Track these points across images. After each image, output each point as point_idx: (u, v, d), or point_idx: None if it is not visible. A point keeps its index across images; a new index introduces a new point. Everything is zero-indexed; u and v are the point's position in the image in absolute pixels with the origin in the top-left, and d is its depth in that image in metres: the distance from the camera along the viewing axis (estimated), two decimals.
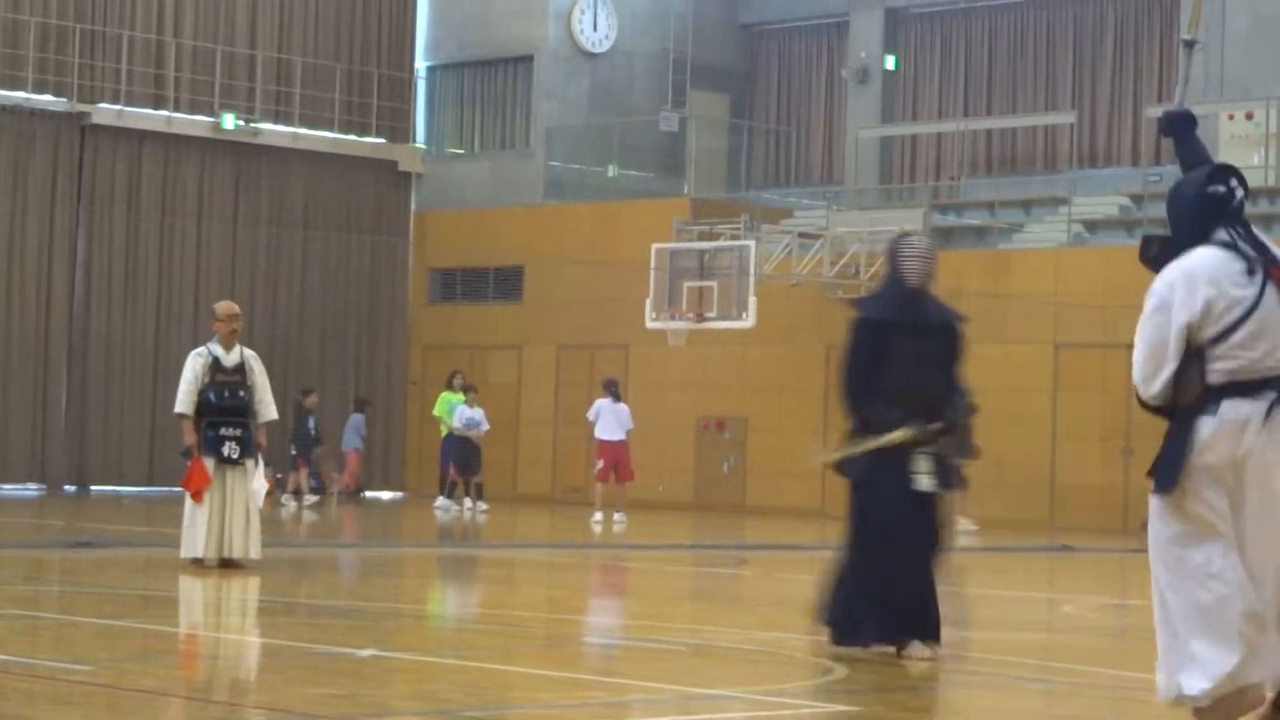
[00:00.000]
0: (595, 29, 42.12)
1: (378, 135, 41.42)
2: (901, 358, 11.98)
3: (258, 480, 17.64)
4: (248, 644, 11.92)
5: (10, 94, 36.96)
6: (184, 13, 39.28)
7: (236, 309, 18.38)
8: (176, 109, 38.93)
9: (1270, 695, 8.44)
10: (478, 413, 32.76)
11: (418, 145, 42.49)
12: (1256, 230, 8.98)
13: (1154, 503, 8.65)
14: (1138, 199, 37.00)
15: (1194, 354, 8.63)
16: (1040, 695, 10.99)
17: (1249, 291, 8.68)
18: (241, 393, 17.70)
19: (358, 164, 41.05)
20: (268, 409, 17.94)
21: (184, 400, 17.64)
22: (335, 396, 40.44)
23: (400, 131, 41.84)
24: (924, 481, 11.81)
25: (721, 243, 34.67)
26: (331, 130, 40.78)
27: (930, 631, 11.86)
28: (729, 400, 36.85)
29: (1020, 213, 38.08)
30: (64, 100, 37.53)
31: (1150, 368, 8.63)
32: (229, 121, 39.35)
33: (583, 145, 41.81)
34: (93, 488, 35.99)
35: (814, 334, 36.60)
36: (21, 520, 27.33)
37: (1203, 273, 8.68)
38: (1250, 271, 8.72)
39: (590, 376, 34.98)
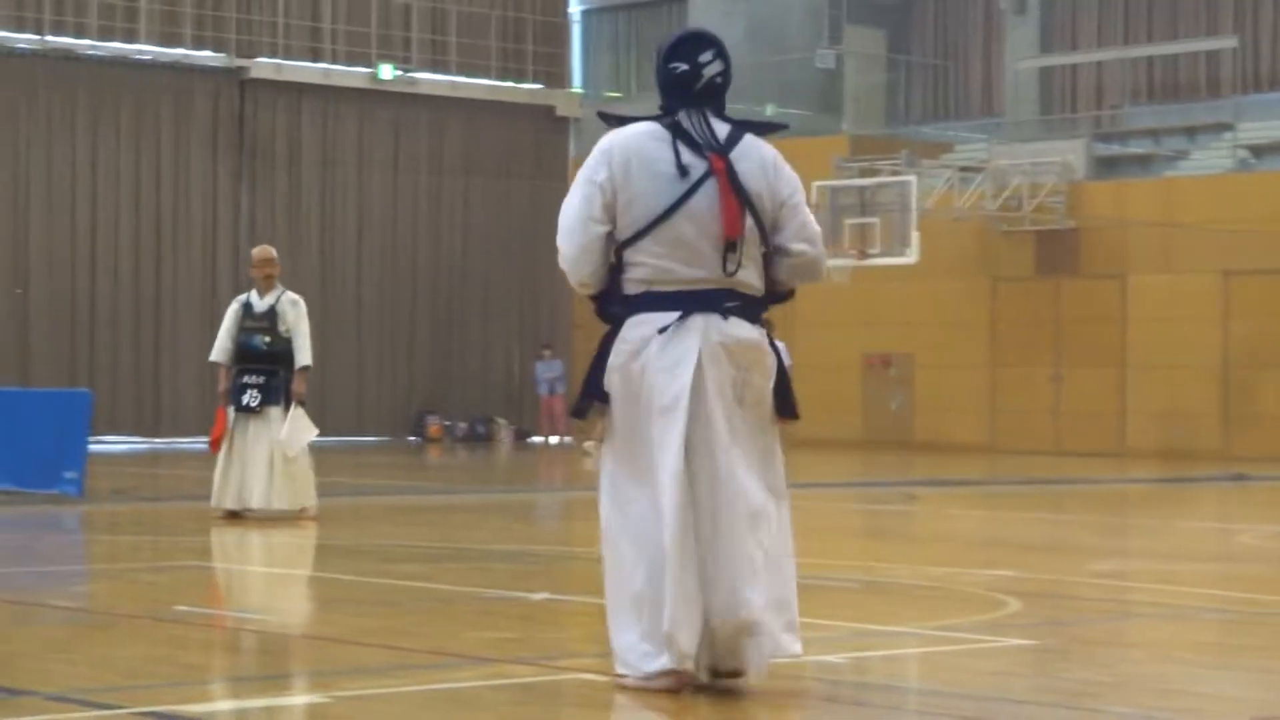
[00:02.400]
0: None
1: (534, 81, 41.52)
2: None
3: (288, 427, 17.10)
4: (418, 590, 11.99)
5: (170, 51, 37.35)
6: None
7: (271, 254, 17.85)
8: (334, 61, 39.21)
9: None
10: None
11: (574, 90, 42.56)
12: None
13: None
14: None
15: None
16: (1217, 625, 10.89)
17: (676, 187, 7.64)
18: (267, 339, 17.27)
19: (515, 110, 41.17)
20: (303, 355, 17.36)
21: (217, 348, 17.44)
22: (498, 349, 40.71)
23: (556, 77, 41.91)
24: None
25: (882, 179, 34.55)
26: (488, 78, 40.93)
27: None
28: (894, 337, 36.74)
29: (1184, 140, 37.69)
30: (223, 55, 37.87)
31: (568, 247, 7.81)
32: (386, 72, 39.57)
33: (739, 84, 41.53)
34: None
35: (978, 268, 36.44)
36: (190, 474, 27.65)
37: (621, 151, 7.72)
38: (681, 167, 7.64)
39: None
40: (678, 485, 7.48)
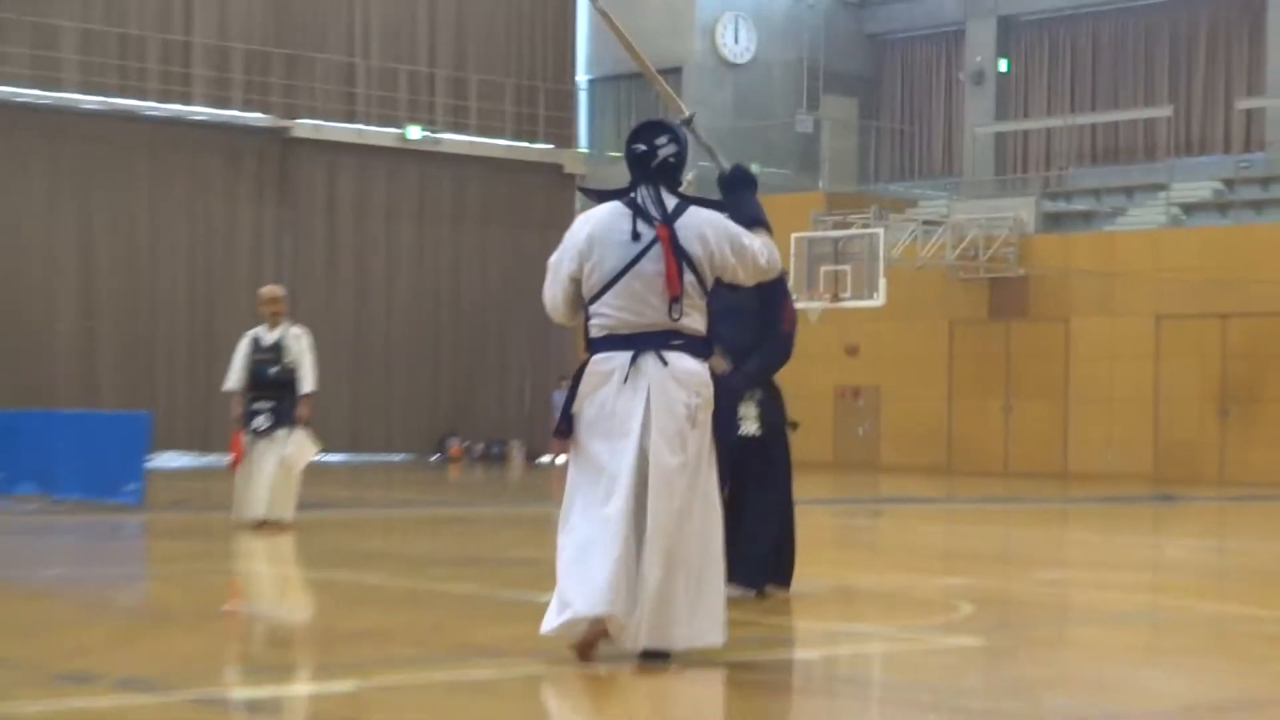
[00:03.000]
0: (737, 42, 42.08)
1: (545, 142, 41.60)
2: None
3: (293, 447, 17.09)
4: (441, 592, 12.03)
5: (221, 112, 37.42)
6: (371, 37, 39.62)
7: (278, 292, 17.76)
8: (367, 122, 39.28)
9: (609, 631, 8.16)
10: None
11: (580, 150, 42.63)
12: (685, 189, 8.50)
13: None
14: (1230, 183, 36.57)
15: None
16: (1147, 627, 10.94)
17: (629, 251, 8.28)
18: (275, 369, 17.18)
19: (527, 168, 41.25)
20: (306, 382, 17.26)
21: (231, 377, 17.34)
22: (513, 378, 40.77)
23: (565, 138, 41.99)
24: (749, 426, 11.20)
25: (853, 231, 34.57)
26: (504, 138, 41.01)
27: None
28: (863, 371, 36.77)
29: (1123, 198, 37.74)
30: (268, 116, 37.95)
31: (550, 293, 8.55)
32: (413, 132, 39.65)
33: (727, 146, 41.71)
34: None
35: (938, 311, 36.48)
36: None
37: (590, 228, 8.40)
38: (635, 235, 8.29)
39: None
40: (630, 483, 8.12)
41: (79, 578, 13.10)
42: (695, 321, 8.35)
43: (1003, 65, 41.72)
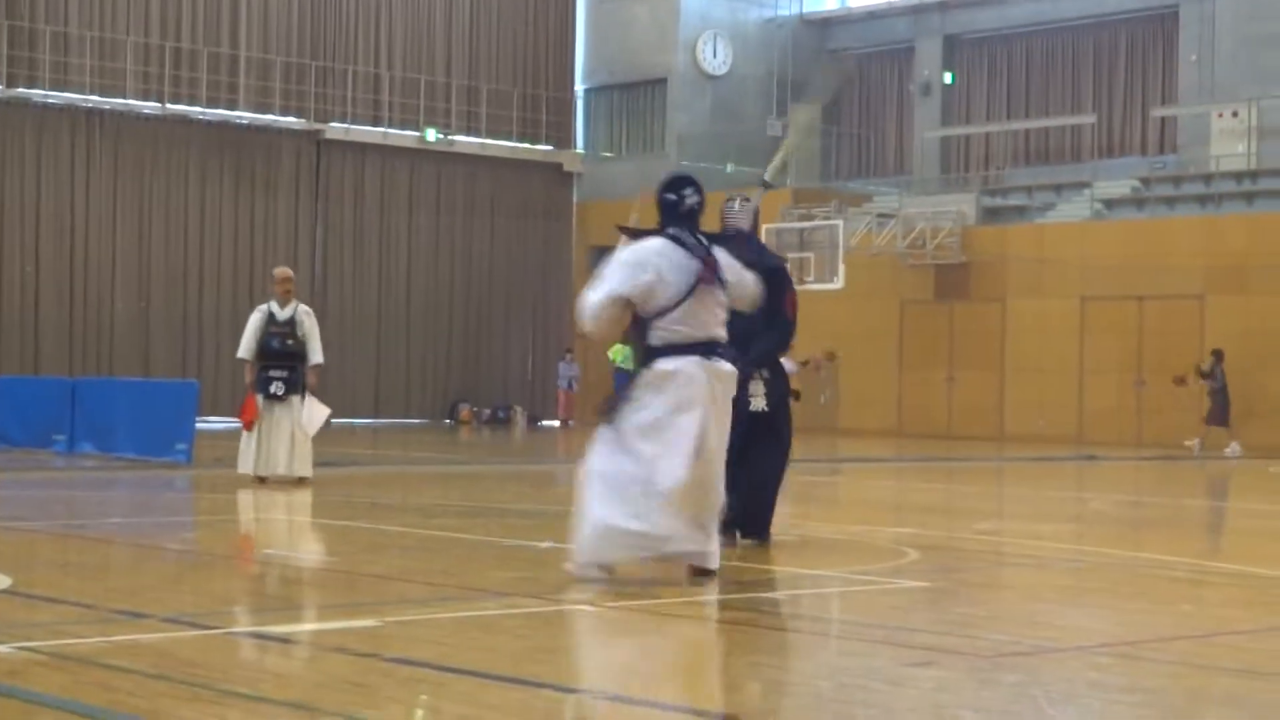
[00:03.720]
0: (715, 56, 42.00)
1: (547, 143, 41.52)
2: None
3: (307, 412, 17.01)
4: (451, 539, 12.01)
5: (262, 116, 37.32)
6: (395, 50, 39.53)
7: (289, 273, 17.60)
8: (391, 126, 39.19)
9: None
10: None
11: (578, 151, 42.54)
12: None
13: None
14: (1146, 181, 36.57)
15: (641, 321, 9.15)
16: (1073, 572, 10.92)
17: (687, 280, 9.09)
18: (290, 341, 17.03)
19: (531, 166, 41.19)
20: (315, 354, 17.18)
21: (244, 347, 17.14)
22: (516, 351, 40.78)
23: (564, 140, 41.91)
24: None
25: (816, 223, 34.53)
26: (510, 140, 40.93)
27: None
28: (824, 346, 36.76)
29: (1052, 195, 37.72)
30: (304, 121, 37.85)
31: (598, 304, 9.10)
32: (431, 135, 39.55)
33: (706, 147, 41.71)
34: (331, 421, 36.26)
35: (890, 293, 36.49)
36: None
37: (648, 257, 9.13)
38: (688, 267, 9.09)
39: None
40: (693, 446, 9.01)
41: (133, 526, 13.06)
42: (725, 332, 9.30)
43: (947, 78, 41.66)
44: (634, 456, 9.02)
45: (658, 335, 9.10)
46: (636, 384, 9.13)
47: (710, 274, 9.09)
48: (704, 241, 9.21)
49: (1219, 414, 30.85)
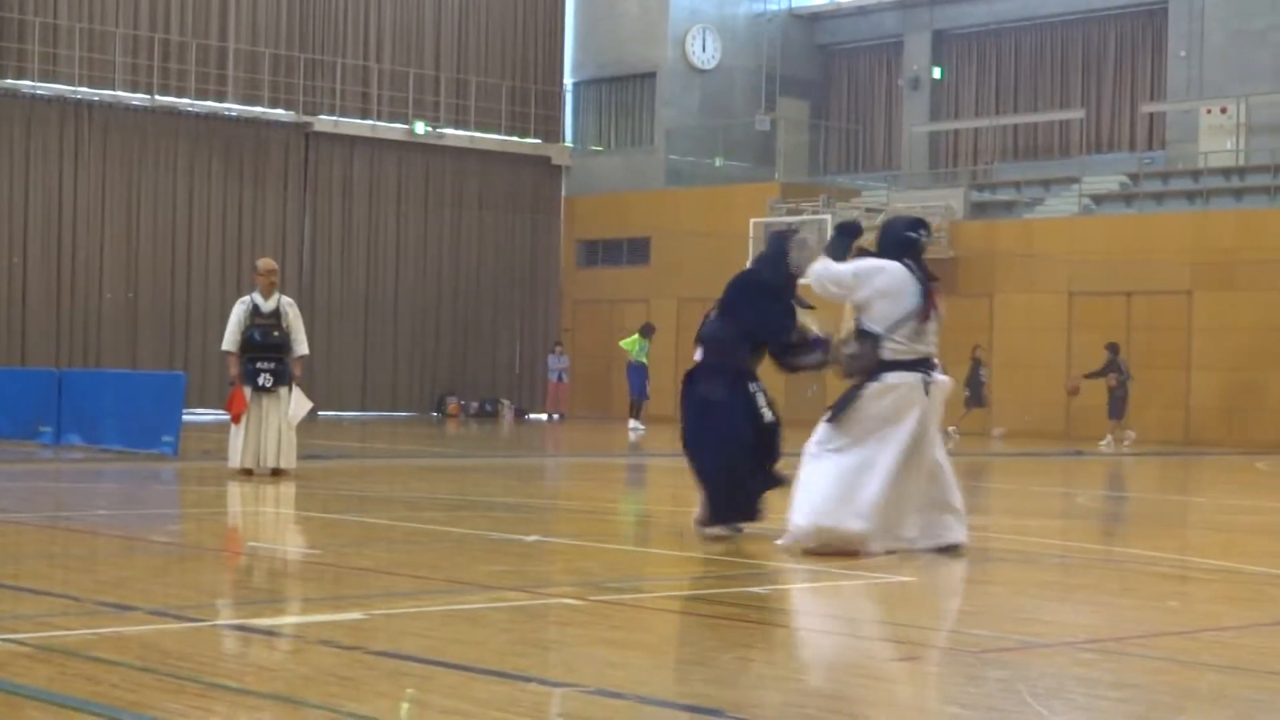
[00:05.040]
0: (704, 50, 41.98)
1: (535, 137, 41.51)
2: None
3: (294, 404, 17.01)
4: (437, 532, 12.00)
5: (251, 109, 37.30)
6: (384, 43, 39.50)
7: (274, 265, 17.53)
8: (379, 119, 39.17)
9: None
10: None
11: (566, 144, 42.53)
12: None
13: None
14: (1134, 177, 36.63)
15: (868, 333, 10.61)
16: (1059, 567, 10.93)
17: (917, 302, 10.62)
18: (276, 333, 17.00)
19: (520, 160, 41.17)
20: (300, 346, 17.14)
21: (228, 339, 17.10)
22: (504, 344, 40.77)
23: (553, 133, 41.90)
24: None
25: (805, 217, 34.55)
26: (499, 133, 40.91)
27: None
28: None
29: (1041, 190, 37.77)
30: (292, 113, 37.82)
31: (838, 273, 10.78)
32: (420, 128, 39.53)
33: (695, 142, 41.73)
34: (318, 413, 36.28)
35: None
36: None
37: (887, 274, 10.68)
38: (922, 292, 10.64)
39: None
40: (903, 449, 10.55)
41: (119, 519, 13.03)
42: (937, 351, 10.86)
43: (936, 73, 41.70)
44: (853, 455, 10.44)
45: (888, 350, 10.57)
46: (865, 391, 10.56)
47: (933, 302, 10.69)
48: (926, 274, 10.78)
49: (1117, 407, 30.95)
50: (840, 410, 10.64)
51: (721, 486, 11.62)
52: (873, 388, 10.59)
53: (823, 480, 10.49)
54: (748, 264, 12.78)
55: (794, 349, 11.75)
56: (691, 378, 11.91)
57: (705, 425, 11.69)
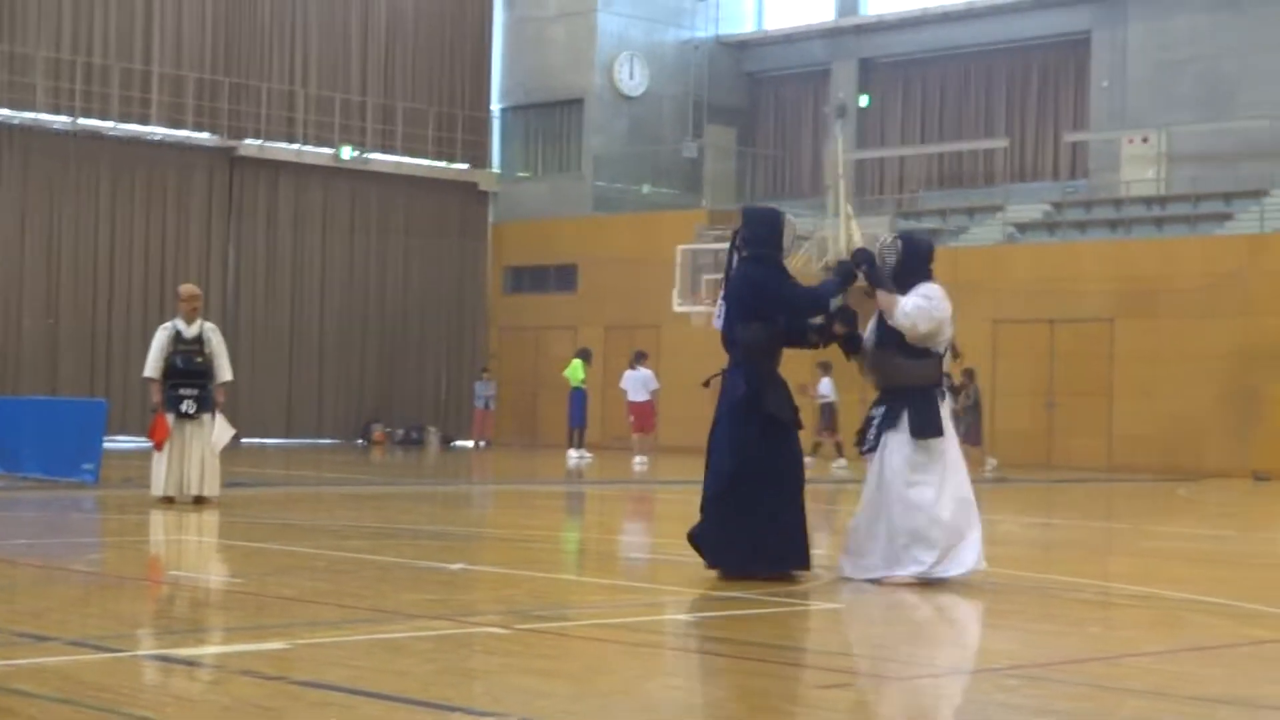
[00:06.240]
0: (632, 78, 42.07)
1: (462, 162, 41.47)
2: None
3: (217, 431, 16.94)
4: (362, 560, 11.94)
5: (175, 132, 37.09)
6: (310, 67, 39.38)
7: (196, 290, 17.47)
8: (305, 143, 39.02)
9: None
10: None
11: (493, 170, 42.51)
12: None
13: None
14: (1057, 206, 36.94)
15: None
16: (987, 594, 10.98)
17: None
18: (199, 359, 16.93)
19: (446, 185, 41.12)
20: (223, 372, 17.05)
21: (150, 366, 16.97)
22: (430, 371, 40.66)
23: (480, 159, 41.88)
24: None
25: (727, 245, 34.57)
26: (426, 159, 40.86)
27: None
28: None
29: (965, 218, 38.03)
30: (217, 137, 37.63)
31: (942, 318, 10.94)
32: (346, 153, 39.41)
33: (622, 168, 41.77)
34: (241, 440, 35.99)
35: None
36: None
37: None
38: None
39: (630, 350, 34.97)
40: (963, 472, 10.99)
41: (39, 548, 12.90)
42: None
43: (863, 101, 41.93)
44: (917, 488, 10.72)
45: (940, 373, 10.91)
46: (939, 412, 10.81)
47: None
48: None
49: (972, 433, 30.57)
50: (870, 441, 11.26)
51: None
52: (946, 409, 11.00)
53: (876, 528, 10.99)
54: (738, 253, 11.96)
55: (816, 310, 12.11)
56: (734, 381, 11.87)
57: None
